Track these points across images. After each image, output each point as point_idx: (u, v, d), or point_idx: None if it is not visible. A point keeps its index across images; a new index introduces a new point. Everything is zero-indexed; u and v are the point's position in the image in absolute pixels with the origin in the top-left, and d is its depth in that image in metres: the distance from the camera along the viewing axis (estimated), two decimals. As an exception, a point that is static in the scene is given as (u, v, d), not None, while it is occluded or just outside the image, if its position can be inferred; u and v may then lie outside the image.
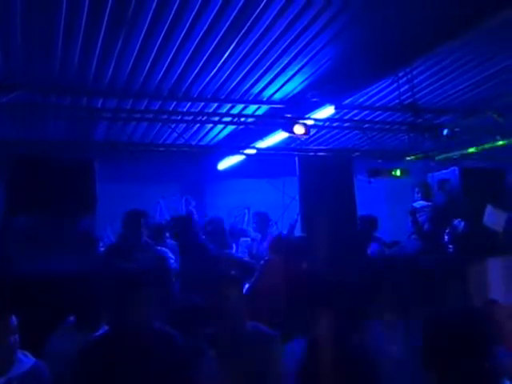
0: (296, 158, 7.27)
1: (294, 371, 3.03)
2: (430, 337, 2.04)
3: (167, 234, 6.87)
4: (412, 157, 8.00)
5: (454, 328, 1.99)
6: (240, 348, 3.09)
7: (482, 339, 1.95)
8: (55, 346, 3.63)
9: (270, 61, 5.94)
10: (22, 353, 2.95)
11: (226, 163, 10.06)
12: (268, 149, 8.39)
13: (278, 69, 6.20)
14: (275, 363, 3.15)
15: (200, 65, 5.96)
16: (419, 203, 7.27)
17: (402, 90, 6.65)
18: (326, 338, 2.80)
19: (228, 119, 7.85)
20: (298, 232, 7.63)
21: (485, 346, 1.94)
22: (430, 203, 7.19)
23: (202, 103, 7.28)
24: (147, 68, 5.96)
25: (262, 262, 5.89)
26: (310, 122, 7.28)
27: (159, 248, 6.16)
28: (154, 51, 5.51)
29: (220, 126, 8.40)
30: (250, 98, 7.23)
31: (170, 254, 6.12)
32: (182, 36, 5.18)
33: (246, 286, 5.69)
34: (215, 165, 10.29)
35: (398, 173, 7.25)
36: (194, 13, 4.71)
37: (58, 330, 3.79)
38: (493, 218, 6.17)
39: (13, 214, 5.41)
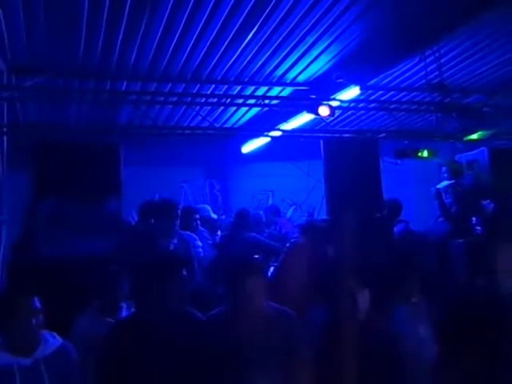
0: (321, 140, 7.17)
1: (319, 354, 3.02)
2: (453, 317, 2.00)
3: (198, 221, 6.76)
4: (439, 137, 7.85)
5: (478, 309, 1.96)
6: (262, 327, 3.09)
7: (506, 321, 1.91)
8: (82, 328, 3.68)
9: (294, 42, 5.88)
10: (50, 334, 2.97)
11: (249, 146, 10.02)
12: (293, 131, 8.33)
13: (302, 50, 6.13)
14: (298, 342, 3.14)
15: (223, 47, 5.92)
16: (443, 183, 7.13)
17: (428, 69, 6.52)
18: (352, 320, 2.77)
19: (252, 101, 7.78)
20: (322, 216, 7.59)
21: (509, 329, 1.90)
22: (452, 181, 7.03)
23: (226, 86, 7.25)
24: (171, 50, 5.94)
25: (287, 244, 5.85)
26: (334, 104, 7.19)
27: (187, 233, 6.08)
28: (178, 33, 5.48)
29: (244, 109, 8.36)
30: (274, 80, 7.17)
31: (198, 242, 6.03)
32: (204, 18, 5.15)
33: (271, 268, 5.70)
34: (239, 148, 10.26)
35: (426, 154, 7.08)
36: (216, -6, 4.67)
37: (85, 311, 3.84)
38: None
39: (40, 198, 5.46)
